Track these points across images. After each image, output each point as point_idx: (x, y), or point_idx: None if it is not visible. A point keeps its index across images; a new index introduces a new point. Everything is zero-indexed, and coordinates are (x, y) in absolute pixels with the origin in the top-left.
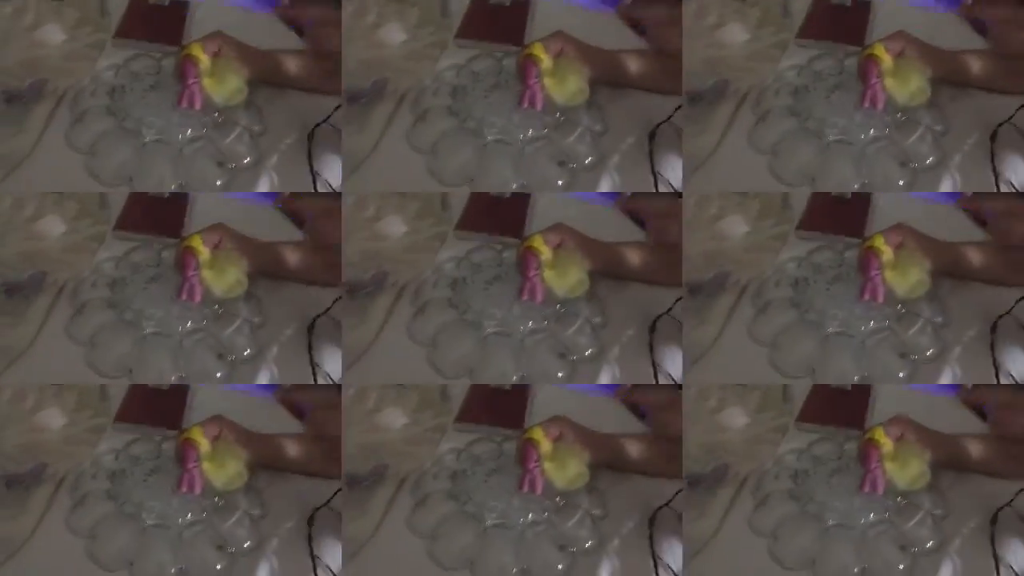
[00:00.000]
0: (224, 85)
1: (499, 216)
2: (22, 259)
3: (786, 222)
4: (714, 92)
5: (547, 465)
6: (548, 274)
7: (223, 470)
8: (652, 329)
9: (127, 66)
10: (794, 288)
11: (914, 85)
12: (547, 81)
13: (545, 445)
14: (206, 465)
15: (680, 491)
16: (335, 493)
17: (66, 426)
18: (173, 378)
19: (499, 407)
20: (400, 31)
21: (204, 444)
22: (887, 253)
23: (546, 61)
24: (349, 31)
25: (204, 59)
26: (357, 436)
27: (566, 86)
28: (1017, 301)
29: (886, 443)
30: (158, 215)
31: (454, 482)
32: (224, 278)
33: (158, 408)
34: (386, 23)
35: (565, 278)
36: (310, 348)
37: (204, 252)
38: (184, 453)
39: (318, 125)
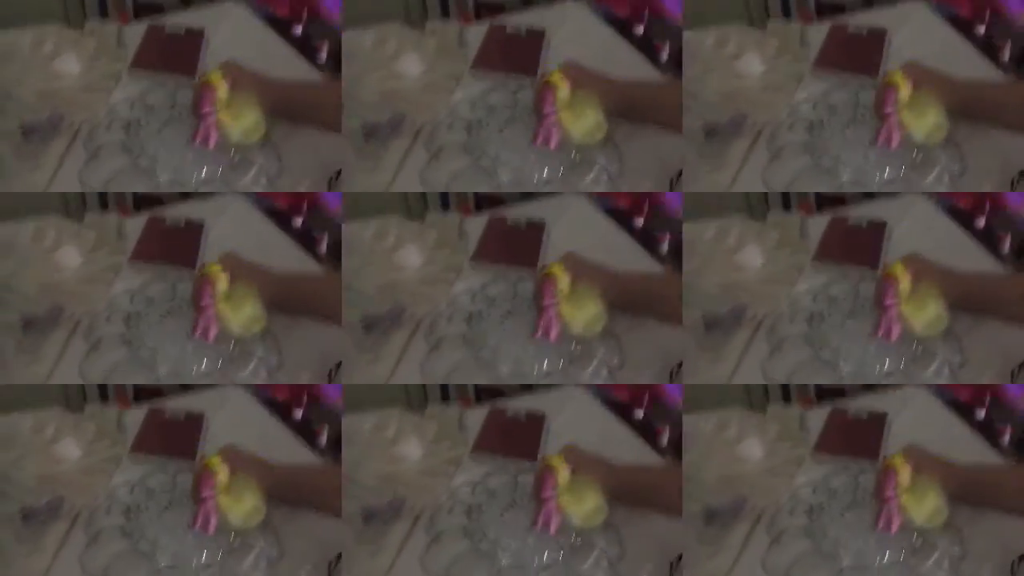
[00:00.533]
0: (241, 120)
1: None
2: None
3: (803, 252)
4: (731, 126)
5: (564, 498)
6: (564, 308)
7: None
8: (672, 568)
9: (142, 99)
10: (809, 516)
11: (931, 120)
12: (563, 115)
13: (563, 475)
14: (222, 499)
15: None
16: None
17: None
18: None
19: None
20: (418, 62)
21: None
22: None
23: (563, 90)
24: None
25: (222, 89)
26: None
27: (583, 121)
28: None
29: (904, 472)
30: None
31: (469, 518)
32: (240, 313)
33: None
34: (404, 54)
35: (582, 312)
36: None
37: (222, 281)
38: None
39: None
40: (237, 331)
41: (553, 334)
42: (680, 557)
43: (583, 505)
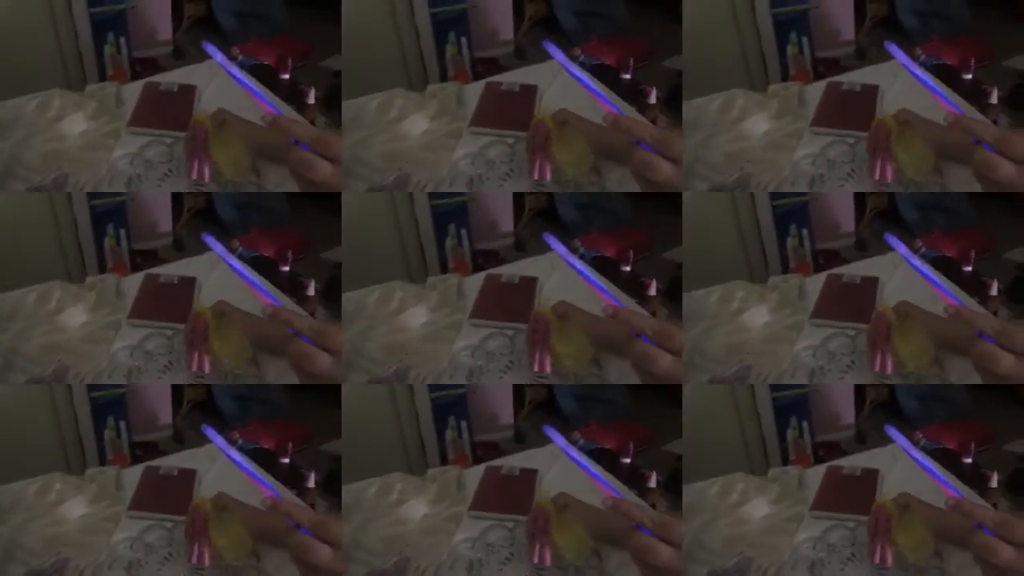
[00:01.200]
0: (228, 156)
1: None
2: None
3: (802, 311)
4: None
5: (555, 536)
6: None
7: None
8: None
9: (141, 154)
10: (811, 572)
11: (919, 154)
12: (554, 149)
13: (553, 515)
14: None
15: None
16: None
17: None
18: None
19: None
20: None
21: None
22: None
23: (553, 129)
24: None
25: (210, 129)
26: None
27: (572, 152)
28: None
29: (893, 511)
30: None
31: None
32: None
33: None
34: (408, 115)
35: (570, 346)
36: None
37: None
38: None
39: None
40: (227, 364)
41: (547, 368)
42: None
43: (570, 539)
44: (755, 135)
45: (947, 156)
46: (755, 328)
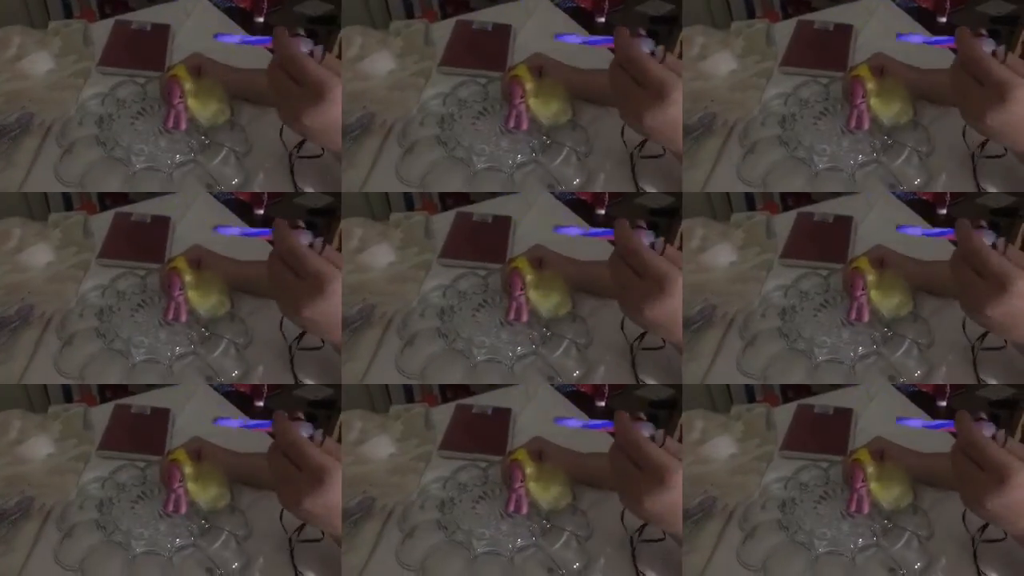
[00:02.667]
0: (207, 106)
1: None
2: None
3: (771, 250)
4: (701, 124)
5: (531, 486)
6: (532, 294)
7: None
8: (632, 542)
9: (113, 94)
10: (782, 511)
11: (897, 105)
12: (531, 102)
13: (529, 466)
14: (191, 485)
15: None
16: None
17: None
18: None
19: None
20: (389, 60)
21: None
22: (872, 275)
23: (530, 82)
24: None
25: (188, 80)
26: None
27: (549, 106)
28: None
29: (869, 464)
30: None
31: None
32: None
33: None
34: (371, 54)
35: (548, 299)
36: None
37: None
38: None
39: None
40: (205, 315)
41: (524, 318)
42: (641, 528)
43: (550, 492)
44: (719, 75)
45: (926, 99)
46: (719, 268)
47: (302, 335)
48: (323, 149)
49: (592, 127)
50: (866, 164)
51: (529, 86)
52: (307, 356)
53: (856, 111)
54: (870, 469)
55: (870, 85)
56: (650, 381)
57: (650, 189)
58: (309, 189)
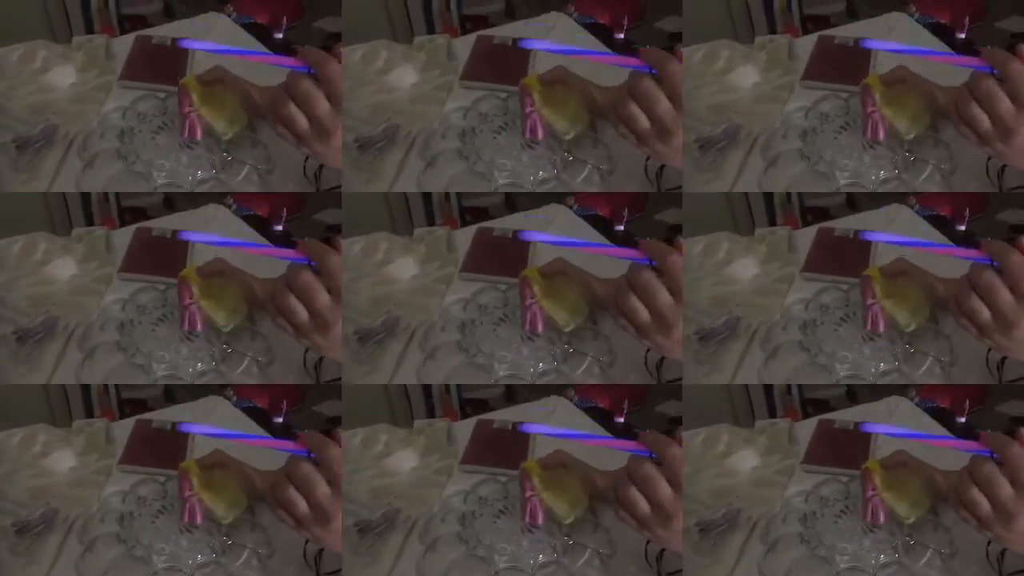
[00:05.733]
0: (220, 113)
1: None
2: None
3: (793, 264)
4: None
5: (545, 495)
6: (544, 303)
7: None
8: (659, 560)
9: (134, 107)
10: (803, 524)
11: (910, 113)
12: (544, 112)
13: (540, 474)
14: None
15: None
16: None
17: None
18: None
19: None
20: (412, 73)
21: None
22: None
23: (539, 91)
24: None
25: (196, 89)
26: None
27: (563, 114)
28: None
29: (880, 472)
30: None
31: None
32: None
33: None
34: (395, 68)
35: (560, 307)
36: None
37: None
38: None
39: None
40: (221, 323)
41: (539, 328)
42: (663, 550)
43: (563, 500)
44: (743, 87)
45: (943, 115)
46: (744, 280)
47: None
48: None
49: (614, 145)
50: (888, 181)
51: (538, 95)
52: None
53: (870, 120)
54: (879, 478)
55: (879, 94)
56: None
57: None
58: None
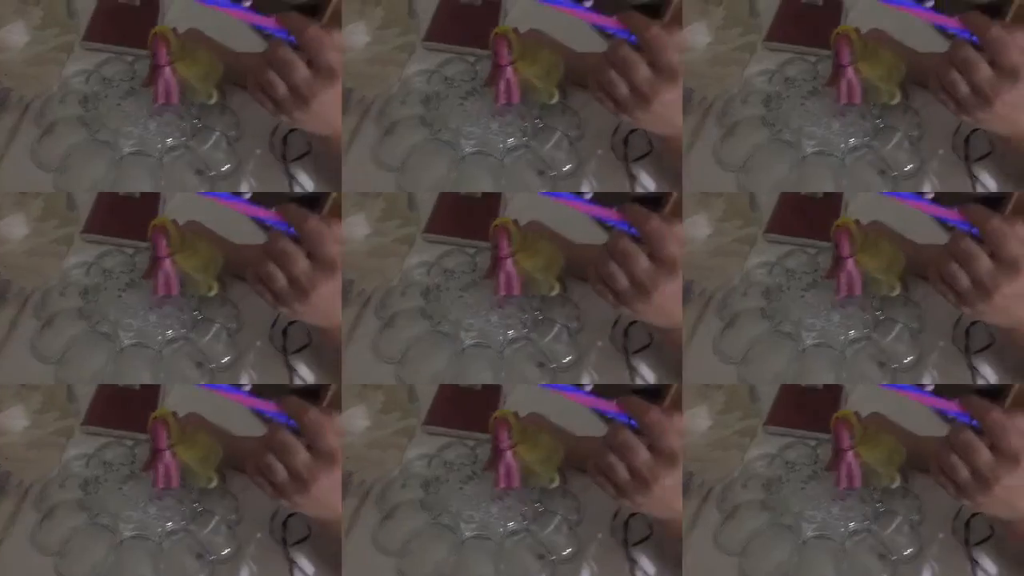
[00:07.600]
0: (195, 65)
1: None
2: None
3: (755, 224)
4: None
5: (519, 448)
6: (520, 257)
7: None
8: (626, 527)
9: (98, 72)
10: (766, 491)
11: (885, 66)
12: (519, 64)
13: (516, 425)
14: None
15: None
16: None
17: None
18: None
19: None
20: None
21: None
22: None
23: (516, 42)
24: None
25: (173, 38)
26: None
27: (538, 64)
28: None
29: (856, 425)
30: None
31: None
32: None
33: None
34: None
35: (535, 259)
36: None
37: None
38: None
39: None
40: (195, 277)
41: (516, 290)
42: (631, 515)
43: (537, 452)
44: (698, 46)
45: (918, 80)
46: (696, 241)
47: (291, 323)
48: (310, 145)
49: (584, 110)
50: (857, 148)
51: (516, 44)
52: (296, 342)
53: (844, 80)
54: (857, 429)
55: (855, 46)
56: (643, 368)
57: (643, 177)
58: (302, 175)
